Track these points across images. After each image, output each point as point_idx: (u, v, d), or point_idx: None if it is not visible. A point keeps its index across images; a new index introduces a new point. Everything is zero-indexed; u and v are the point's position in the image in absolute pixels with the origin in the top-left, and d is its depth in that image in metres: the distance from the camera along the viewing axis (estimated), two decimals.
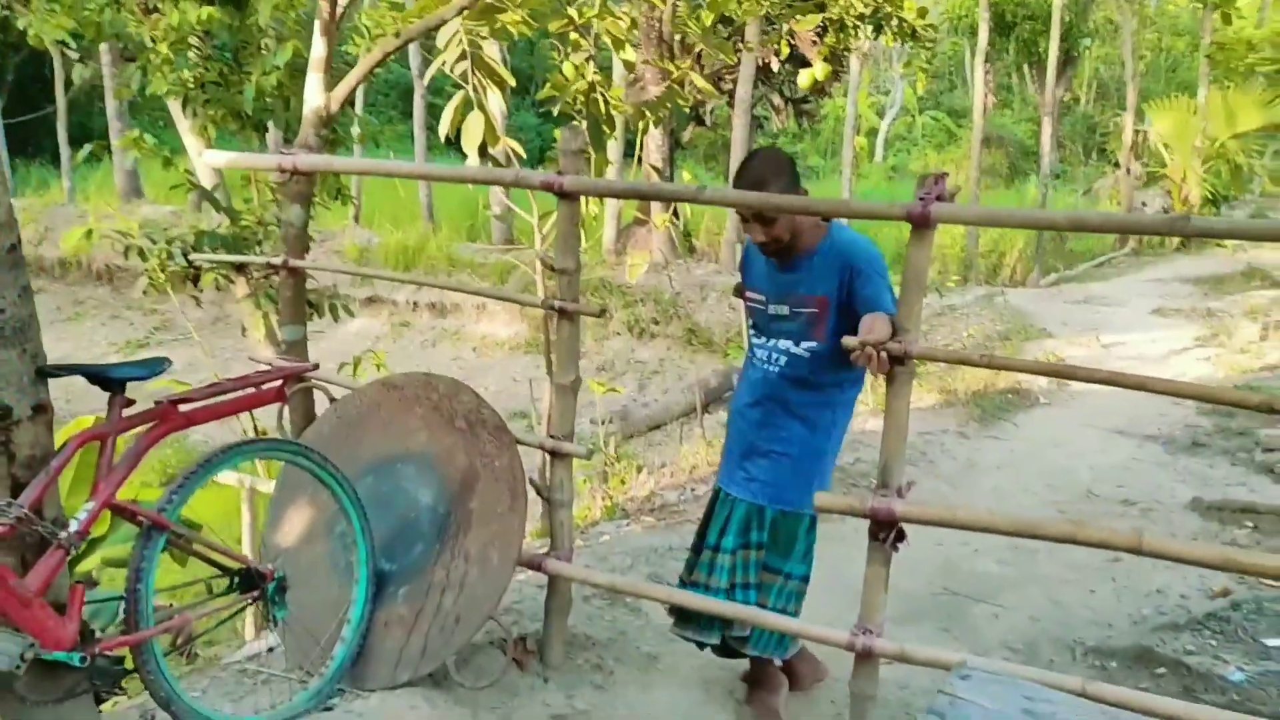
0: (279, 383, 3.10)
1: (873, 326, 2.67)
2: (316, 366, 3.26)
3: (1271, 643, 3.70)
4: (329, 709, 3.07)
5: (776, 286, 3.07)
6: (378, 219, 17.74)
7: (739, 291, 3.34)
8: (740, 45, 11.10)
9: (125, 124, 17.91)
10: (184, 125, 5.95)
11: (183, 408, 2.84)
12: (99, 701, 3.36)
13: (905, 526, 2.80)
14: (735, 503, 3.17)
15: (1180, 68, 30.84)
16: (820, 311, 2.98)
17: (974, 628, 3.92)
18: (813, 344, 3.02)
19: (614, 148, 14.63)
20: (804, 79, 8.53)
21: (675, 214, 15.72)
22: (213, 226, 5.70)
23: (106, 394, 2.71)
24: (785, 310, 3.05)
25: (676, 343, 13.17)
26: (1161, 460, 5.90)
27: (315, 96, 3.71)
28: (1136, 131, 17.84)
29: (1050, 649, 3.78)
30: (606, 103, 4.64)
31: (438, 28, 3.83)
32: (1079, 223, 2.69)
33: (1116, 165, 20.37)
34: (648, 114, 4.96)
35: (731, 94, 14.05)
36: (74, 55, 6.58)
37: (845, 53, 13.27)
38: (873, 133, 31.22)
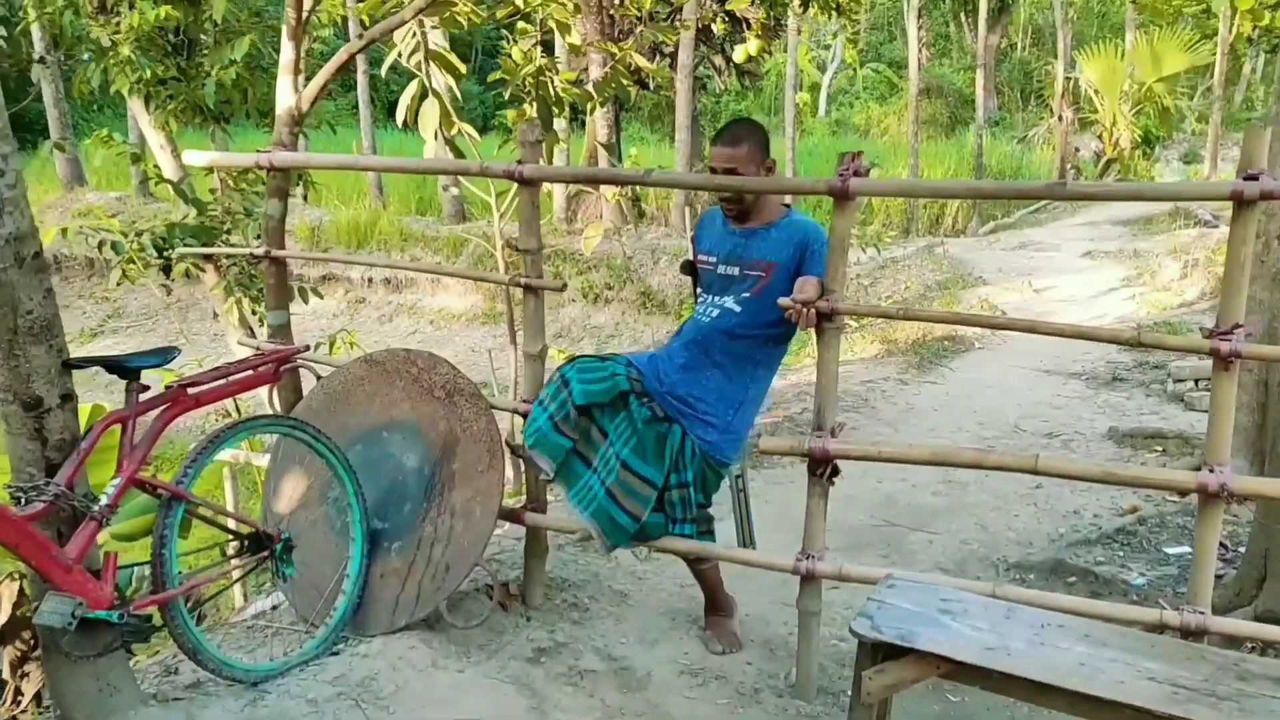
0: (273, 365, 3.42)
1: (803, 287, 3.06)
2: (307, 348, 3.58)
3: (1172, 550, 4.16)
4: (336, 653, 3.43)
5: (732, 249, 3.39)
6: (326, 196, 17.85)
7: (688, 268, 3.63)
8: (679, 23, 11.39)
9: (63, 112, 17.86)
10: (144, 120, 6.17)
11: (191, 390, 3.16)
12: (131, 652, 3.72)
13: (841, 463, 3.21)
14: (638, 399, 3.38)
15: (1111, 12, 31.43)
16: (767, 275, 3.31)
17: (910, 552, 4.35)
18: (749, 297, 3.33)
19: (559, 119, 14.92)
20: (739, 54, 8.80)
21: None
22: (180, 217, 5.94)
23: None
24: (736, 271, 3.37)
25: (631, 306, 13.54)
26: (1084, 395, 6.38)
27: (287, 97, 3.99)
28: (1068, 78, 18.32)
29: (978, 567, 4.22)
30: (554, 86, 4.95)
31: (399, 28, 4.12)
32: (975, 190, 3.09)
33: (1052, 112, 20.90)
34: (594, 96, 5.27)
35: (674, 58, 14.33)
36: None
37: (781, 20, 13.59)
38: (815, 88, 31.53)
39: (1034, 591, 3.10)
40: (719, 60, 18.35)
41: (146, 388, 3.05)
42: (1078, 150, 19.09)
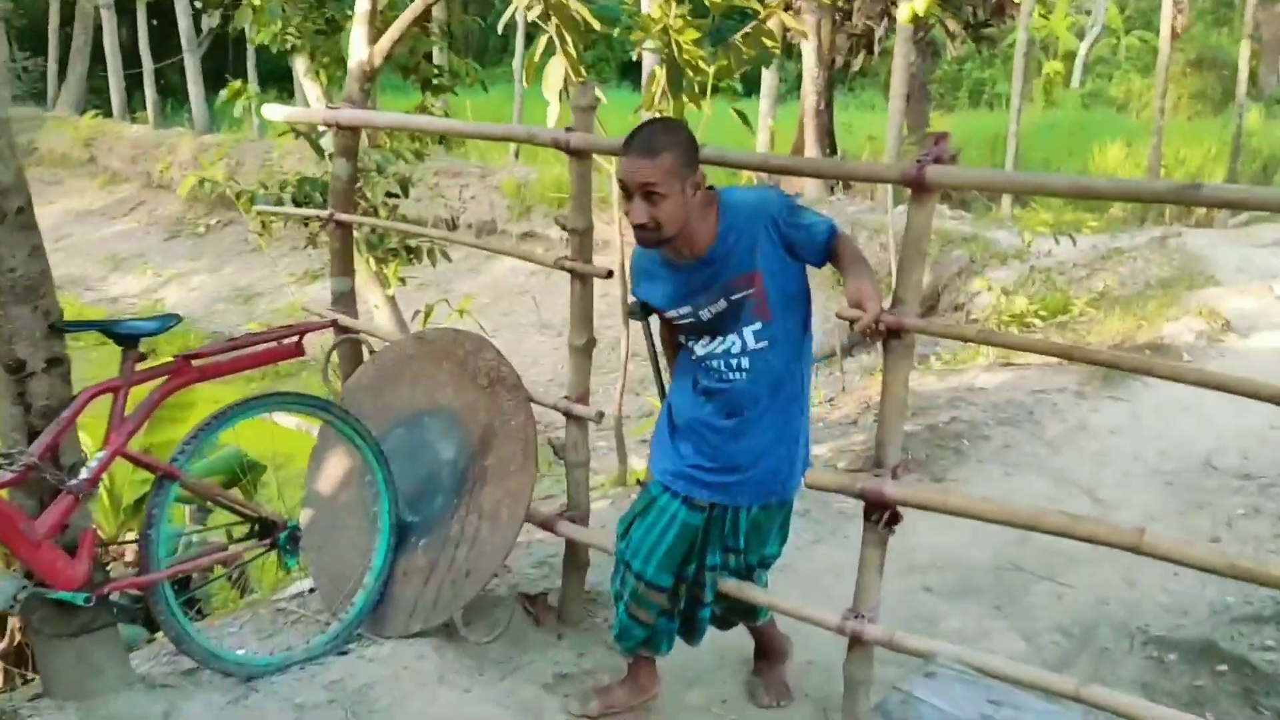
0: (296, 338, 3.18)
1: (858, 296, 2.51)
2: (334, 323, 3.33)
3: None
4: (344, 653, 3.19)
5: (698, 288, 2.68)
6: (540, 154, 17.92)
7: (639, 313, 2.93)
8: None
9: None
10: (300, 70, 6.14)
11: (196, 362, 2.96)
12: (151, 631, 3.62)
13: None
14: (694, 510, 2.81)
15: None
16: (758, 289, 2.65)
17: (1029, 607, 3.69)
18: (761, 326, 2.68)
19: (769, 76, 14.23)
20: (903, 12, 7.72)
21: (833, 143, 15.26)
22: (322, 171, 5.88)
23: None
24: (722, 306, 2.67)
25: (826, 280, 12.81)
26: None
27: (359, 50, 3.75)
28: None
29: (1109, 636, 3.52)
30: (680, 48, 4.49)
31: None
32: (1084, 190, 2.44)
33: None
34: (729, 61, 4.76)
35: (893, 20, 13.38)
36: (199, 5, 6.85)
37: None
38: (1070, 56, 29.23)
39: (1129, 699, 2.45)
40: (952, 23, 17.17)
41: (144, 356, 2.87)
42: None
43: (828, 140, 14.74)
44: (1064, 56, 28.69)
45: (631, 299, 2.90)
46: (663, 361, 3.03)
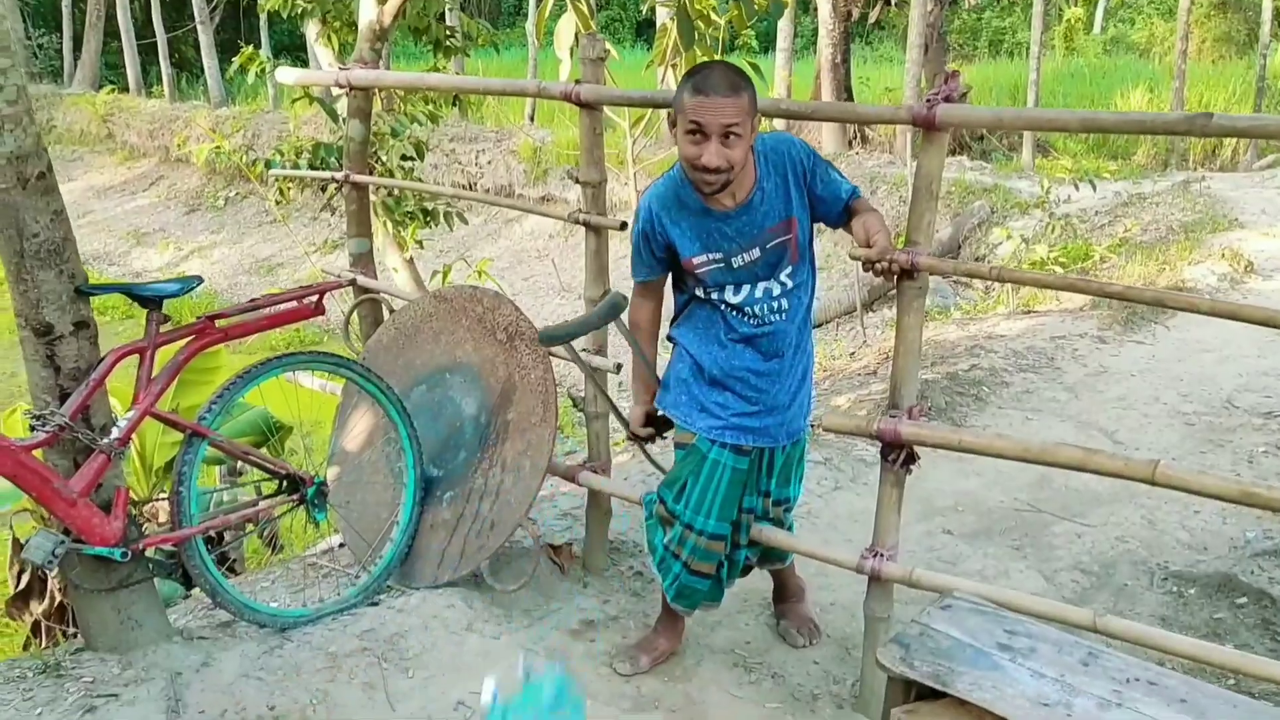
0: (316, 298, 3.22)
1: (871, 235, 2.52)
2: (353, 282, 3.36)
3: None
4: (375, 604, 3.26)
5: (733, 235, 2.65)
6: (556, 116, 17.83)
7: (619, 304, 2.89)
8: None
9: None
10: (312, 36, 6.15)
11: (219, 323, 3.01)
12: (188, 587, 3.71)
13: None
14: (741, 456, 2.83)
15: None
16: (792, 234, 2.66)
17: (1049, 547, 3.72)
18: (791, 269, 2.71)
19: (785, 30, 14.11)
20: None
21: (850, 97, 15.10)
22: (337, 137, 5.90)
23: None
24: (756, 254, 2.66)
25: (845, 238, 12.77)
26: None
27: (368, 11, 3.76)
28: None
29: (1128, 572, 3.55)
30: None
31: None
32: (1091, 123, 2.43)
33: None
34: (741, 11, 4.74)
35: None
36: None
37: None
38: (1091, 2, 28.73)
39: (1144, 628, 2.48)
40: None
41: (168, 318, 2.92)
42: None
43: (845, 94, 14.61)
44: (1085, 2, 28.22)
45: (612, 291, 2.84)
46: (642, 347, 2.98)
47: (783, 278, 2.71)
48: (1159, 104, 15.96)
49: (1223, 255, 7.19)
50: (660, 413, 2.93)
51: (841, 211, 2.68)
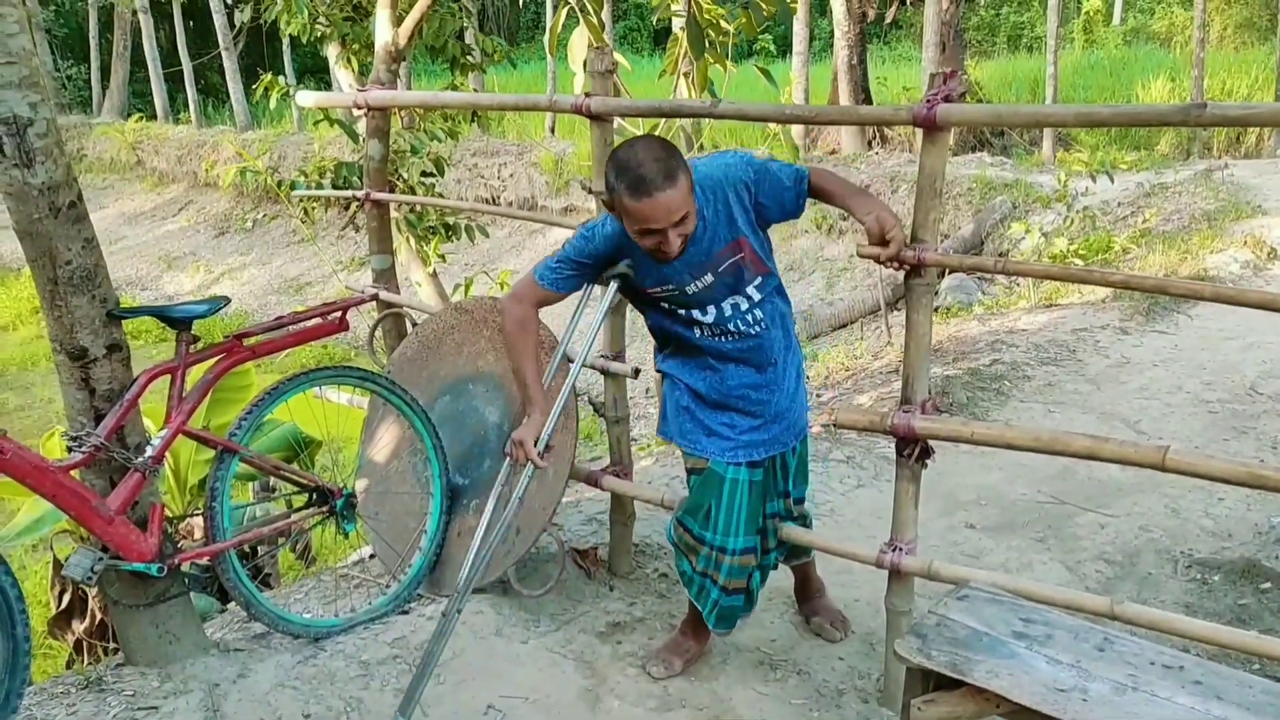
0: (339, 314, 3.30)
1: (882, 229, 2.54)
2: (376, 297, 3.44)
3: None
4: (405, 612, 3.33)
5: (683, 269, 2.62)
6: (577, 129, 17.91)
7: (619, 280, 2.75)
8: None
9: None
10: (332, 58, 6.26)
11: (247, 341, 3.09)
12: (224, 602, 3.79)
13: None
14: (756, 469, 2.86)
15: None
16: (744, 253, 2.64)
17: (1072, 538, 3.74)
18: (759, 280, 2.70)
19: (801, 33, 14.11)
20: None
21: (868, 99, 15.09)
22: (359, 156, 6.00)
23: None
24: (709, 279, 2.64)
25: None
26: None
27: (384, 32, 3.85)
28: None
29: (1152, 561, 3.56)
30: (700, 8, 4.53)
31: None
32: (1086, 117, 2.46)
33: None
34: (748, 19, 4.79)
35: None
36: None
37: None
38: None
39: (1162, 613, 2.50)
40: None
41: (197, 338, 3.00)
42: None
43: (862, 95, 14.61)
44: None
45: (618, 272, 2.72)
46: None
47: (749, 291, 2.71)
48: (1180, 93, 15.82)
49: (1245, 242, 7.15)
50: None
51: (796, 200, 2.63)
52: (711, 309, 2.71)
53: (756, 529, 2.92)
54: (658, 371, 2.97)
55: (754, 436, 2.84)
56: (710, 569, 2.91)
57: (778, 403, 2.84)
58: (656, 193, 2.40)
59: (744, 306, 2.72)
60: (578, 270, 2.75)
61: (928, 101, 2.50)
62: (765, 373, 2.81)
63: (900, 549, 2.78)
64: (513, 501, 2.85)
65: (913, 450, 2.71)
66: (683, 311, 2.74)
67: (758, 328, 2.75)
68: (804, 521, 3.09)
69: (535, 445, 2.82)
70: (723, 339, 2.76)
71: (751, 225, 2.65)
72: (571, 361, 3.34)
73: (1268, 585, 3.30)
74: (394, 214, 5.96)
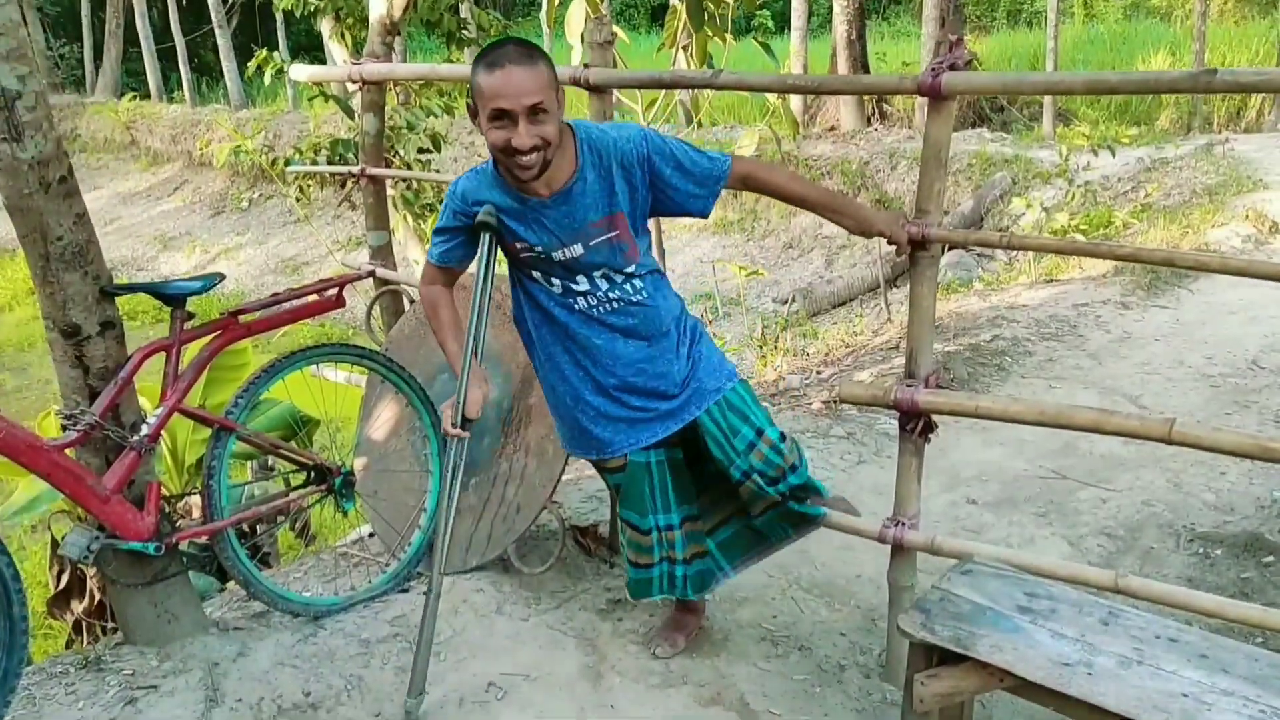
0: (336, 290, 3.27)
1: (892, 230, 2.54)
2: (372, 273, 3.41)
3: None
4: (405, 590, 3.32)
5: (553, 227, 2.45)
6: (575, 103, 17.76)
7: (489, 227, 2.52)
8: None
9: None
10: (326, 33, 6.20)
11: (243, 318, 3.06)
12: (223, 581, 3.77)
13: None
14: (672, 448, 2.78)
15: None
16: (618, 231, 2.48)
17: (1074, 513, 3.72)
18: (634, 265, 2.55)
19: (800, 8, 14.02)
20: None
21: (867, 74, 15.01)
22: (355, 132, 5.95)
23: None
24: (579, 250, 2.47)
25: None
26: None
27: (378, 5, 3.80)
28: None
29: (1154, 535, 3.55)
30: None
31: None
32: (1096, 85, 2.43)
33: None
34: None
35: None
36: None
37: None
38: None
39: (1167, 587, 2.49)
40: None
41: (192, 315, 2.97)
42: None
43: (861, 70, 14.53)
44: None
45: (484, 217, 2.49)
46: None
47: (626, 270, 2.56)
48: (1180, 67, 15.72)
49: (1246, 216, 7.12)
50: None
51: (701, 187, 2.52)
52: (583, 279, 2.54)
53: (693, 500, 2.87)
54: (537, 370, 2.80)
55: (658, 412, 2.67)
56: (666, 550, 2.87)
57: (676, 372, 2.65)
58: (509, 64, 2.25)
59: (619, 279, 2.56)
60: (453, 237, 2.60)
61: (932, 70, 2.46)
62: (658, 343, 2.63)
63: (903, 524, 2.76)
64: (456, 476, 2.68)
65: (916, 424, 2.69)
66: (557, 281, 2.56)
67: (642, 294, 2.59)
68: (797, 470, 2.80)
69: (453, 416, 2.61)
70: (605, 309, 2.57)
71: (632, 205, 2.49)
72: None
73: (1270, 559, 3.29)
74: (390, 191, 5.92)
